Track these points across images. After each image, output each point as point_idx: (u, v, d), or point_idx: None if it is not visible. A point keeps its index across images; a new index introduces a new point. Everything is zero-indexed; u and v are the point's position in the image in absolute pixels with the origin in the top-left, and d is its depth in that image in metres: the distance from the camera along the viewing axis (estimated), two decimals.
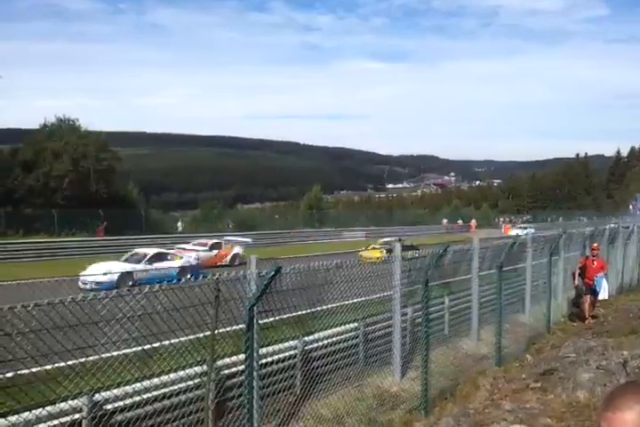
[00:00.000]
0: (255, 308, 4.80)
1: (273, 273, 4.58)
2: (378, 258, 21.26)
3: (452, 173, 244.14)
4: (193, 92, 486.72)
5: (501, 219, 69.94)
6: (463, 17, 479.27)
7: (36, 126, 43.34)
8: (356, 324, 7.88)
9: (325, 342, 7.22)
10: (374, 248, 25.73)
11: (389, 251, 26.37)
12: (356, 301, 7.25)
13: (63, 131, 41.90)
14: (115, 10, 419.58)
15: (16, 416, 4.32)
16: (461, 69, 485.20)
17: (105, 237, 31.83)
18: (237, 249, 25.40)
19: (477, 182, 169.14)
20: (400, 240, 25.00)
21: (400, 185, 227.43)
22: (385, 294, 7.78)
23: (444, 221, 61.46)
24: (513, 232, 46.55)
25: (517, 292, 11.62)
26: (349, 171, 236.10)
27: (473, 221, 60.82)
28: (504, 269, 9.46)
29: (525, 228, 50.42)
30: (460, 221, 62.44)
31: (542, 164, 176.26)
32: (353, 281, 6.72)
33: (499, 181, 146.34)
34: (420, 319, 7.35)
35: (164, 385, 5.20)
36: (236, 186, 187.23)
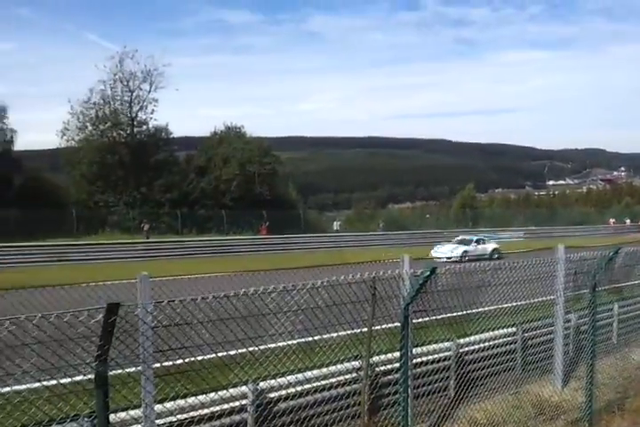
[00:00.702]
0: (410, 307, 4.88)
1: (428, 273, 4.62)
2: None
3: (622, 168, 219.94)
4: (345, 95, 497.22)
5: None
6: None
7: (207, 134, 47.71)
8: (513, 329, 7.60)
9: (481, 345, 7.07)
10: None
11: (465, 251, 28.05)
12: (514, 304, 6.99)
13: (231, 138, 45.70)
14: (273, 21, 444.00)
15: (193, 398, 4.87)
16: (630, 54, 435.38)
17: (268, 236, 34.12)
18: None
19: None
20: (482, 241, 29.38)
21: (562, 182, 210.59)
22: (547, 298, 7.41)
23: (611, 220, 55.84)
24: None
25: None
26: (505, 167, 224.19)
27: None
28: None
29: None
30: (628, 221, 56.27)
31: None
32: (511, 284, 6.51)
33: None
34: (585, 327, 6.88)
35: (324, 377, 5.50)
36: (388, 186, 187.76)
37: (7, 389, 3.92)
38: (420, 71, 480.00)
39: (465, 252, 27.11)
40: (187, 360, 4.86)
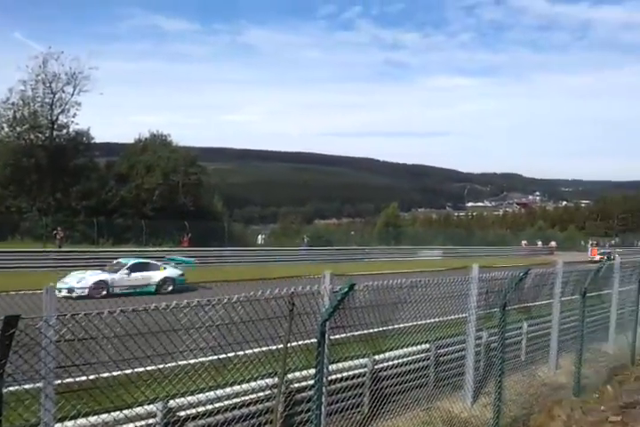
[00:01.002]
0: (327, 323, 4.86)
1: (347, 289, 4.62)
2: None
3: (537, 193, 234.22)
4: (276, 108, 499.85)
5: (590, 242, 66.24)
6: (555, 31, 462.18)
7: (131, 141, 46.20)
8: (427, 345, 7.75)
9: (396, 361, 7.15)
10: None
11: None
12: (428, 321, 7.13)
13: (156, 146, 44.47)
14: (210, 31, 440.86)
15: (95, 417, 4.60)
16: (551, 84, 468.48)
17: (189, 248, 33.22)
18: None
19: (564, 203, 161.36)
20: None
21: (481, 204, 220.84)
22: (460, 316, 7.61)
23: (524, 242, 59.18)
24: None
25: (602, 319, 11.00)
26: (428, 188, 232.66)
27: (552, 243, 58.14)
28: (588, 294, 9.01)
29: None
30: (539, 243, 59.85)
31: (635, 185, 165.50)
32: (427, 301, 6.64)
33: (587, 201, 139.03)
34: (495, 344, 7.13)
35: (236, 395, 5.36)
36: (314, 201, 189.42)
37: None
38: (353, 90, 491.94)
39: (101, 282, 18.53)
40: (91, 377, 4.60)
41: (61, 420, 4.34)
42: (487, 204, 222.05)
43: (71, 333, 3.96)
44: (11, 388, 3.76)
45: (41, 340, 3.80)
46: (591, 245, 61.67)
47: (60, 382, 4.22)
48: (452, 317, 7.64)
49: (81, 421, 4.47)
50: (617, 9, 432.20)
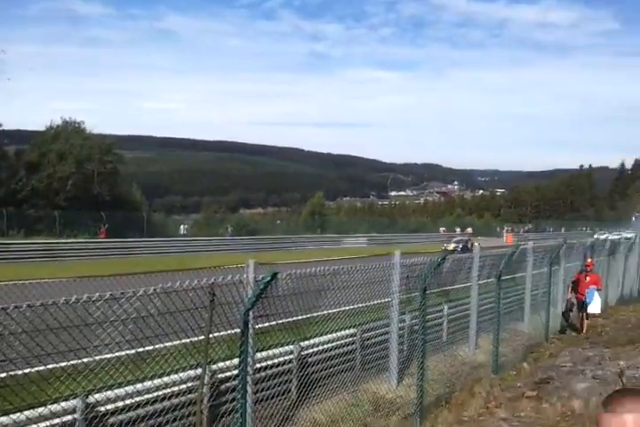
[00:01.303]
0: (251, 312, 4.79)
1: (269, 278, 4.55)
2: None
3: (456, 182, 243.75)
4: (199, 97, 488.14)
5: (505, 227, 69.82)
6: (472, 28, 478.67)
7: (42, 128, 43.59)
8: (353, 330, 7.85)
9: (322, 347, 7.19)
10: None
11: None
12: (353, 307, 7.22)
13: (68, 133, 42.18)
14: (126, 15, 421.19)
15: (5, 418, 4.30)
16: (469, 80, 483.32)
17: (106, 240, 31.90)
18: None
19: (480, 192, 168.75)
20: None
21: (403, 193, 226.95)
22: (383, 300, 7.76)
23: (442, 229, 61.53)
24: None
25: (517, 301, 11.59)
26: (352, 178, 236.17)
27: (468, 230, 60.80)
28: (503, 277, 9.45)
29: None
30: (458, 229, 62.47)
31: (547, 174, 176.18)
32: (350, 288, 6.71)
33: (502, 190, 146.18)
34: (417, 327, 7.32)
35: (157, 388, 5.18)
36: (239, 191, 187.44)
37: None
38: (276, 80, 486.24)
39: None
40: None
41: None
42: (409, 193, 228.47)
43: None
44: None
45: None
46: (506, 231, 65.12)
47: None
48: (376, 302, 7.79)
49: None
50: (531, 8, 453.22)
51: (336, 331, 7.25)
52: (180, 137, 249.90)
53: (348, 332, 7.76)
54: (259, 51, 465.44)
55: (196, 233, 42.79)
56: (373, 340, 8.03)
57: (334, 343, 7.42)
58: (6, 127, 41.67)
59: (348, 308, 7.05)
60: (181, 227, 45.35)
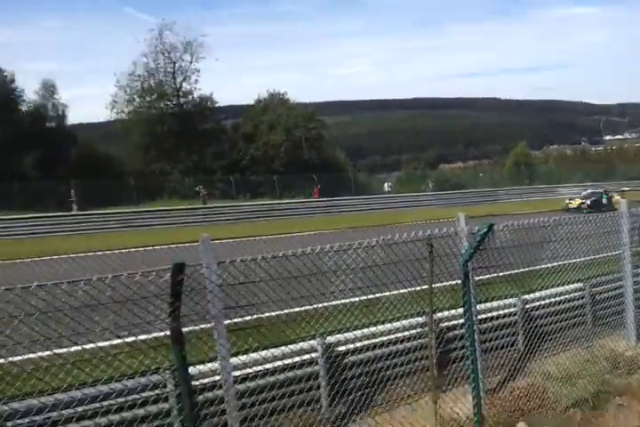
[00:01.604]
0: (469, 264, 4.78)
1: (486, 229, 4.47)
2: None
3: None
4: (385, 57, 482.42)
5: None
6: None
7: (252, 102, 47.70)
8: (580, 284, 7.37)
9: (547, 301, 6.91)
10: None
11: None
12: (578, 260, 6.76)
13: (275, 104, 45.61)
14: None
15: (265, 351, 4.99)
16: None
17: (320, 199, 34.40)
18: None
19: None
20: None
21: (620, 136, 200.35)
22: (611, 253, 7.13)
23: None
24: None
25: None
26: (559, 123, 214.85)
27: None
28: None
29: None
30: None
31: None
32: (574, 239, 6.29)
33: None
34: None
35: (389, 332, 5.52)
36: (436, 146, 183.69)
37: (91, 345, 4.09)
38: (456, 31, 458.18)
39: None
40: (255, 317, 4.97)
41: (235, 355, 4.74)
42: (627, 136, 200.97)
43: (232, 277, 4.27)
44: (187, 328, 4.13)
45: (207, 284, 4.14)
46: None
47: (229, 321, 4.57)
48: (603, 254, 7.19)
49: (253, 355, 4.86)
50: None
51: (561, 285, 6.89)
52: (371, 99, 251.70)
53: (574, 286, 7.32)
54: (434, 3, 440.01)
55: (398, 190, 43.53)
56: (605, 295, 7.46)
57: (561, 298, 7.06)
58: (220, 104, 46.40)
59: (572, 261, 6.64)
60: (385, 185, 46.52)
